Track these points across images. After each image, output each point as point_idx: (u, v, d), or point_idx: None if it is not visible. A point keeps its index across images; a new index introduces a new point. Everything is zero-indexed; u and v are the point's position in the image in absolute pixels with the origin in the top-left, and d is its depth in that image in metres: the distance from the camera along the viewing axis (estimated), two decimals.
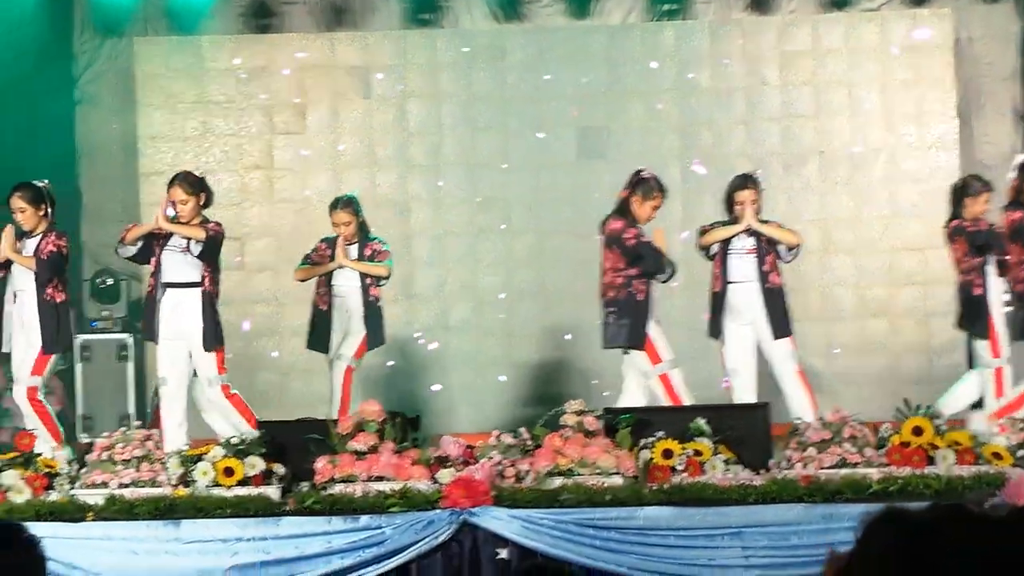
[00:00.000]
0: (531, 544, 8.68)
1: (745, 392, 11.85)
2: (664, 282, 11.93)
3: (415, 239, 15.32)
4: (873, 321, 15.00)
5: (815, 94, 15.29)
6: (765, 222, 12.00)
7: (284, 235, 14.11)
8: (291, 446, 9.62)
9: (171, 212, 11.87)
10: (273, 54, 15.58)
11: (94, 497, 9.20)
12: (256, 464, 9.29)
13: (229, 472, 9.24)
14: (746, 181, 12.29)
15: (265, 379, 14.68)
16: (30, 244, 11.91)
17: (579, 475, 9.09)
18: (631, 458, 9.26)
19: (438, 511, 8.81)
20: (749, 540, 8.66)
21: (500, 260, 15.37)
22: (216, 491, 9.17)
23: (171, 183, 11.97)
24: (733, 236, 11.92)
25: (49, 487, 9.43)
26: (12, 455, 9.87)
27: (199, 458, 9.46)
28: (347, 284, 12.54)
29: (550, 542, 8.68)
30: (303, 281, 12.75)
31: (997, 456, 9.28)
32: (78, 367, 14.20)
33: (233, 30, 15.64)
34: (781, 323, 11.84)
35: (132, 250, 11.92)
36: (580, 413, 9.57)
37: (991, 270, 12.02)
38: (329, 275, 12.55)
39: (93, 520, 8.97)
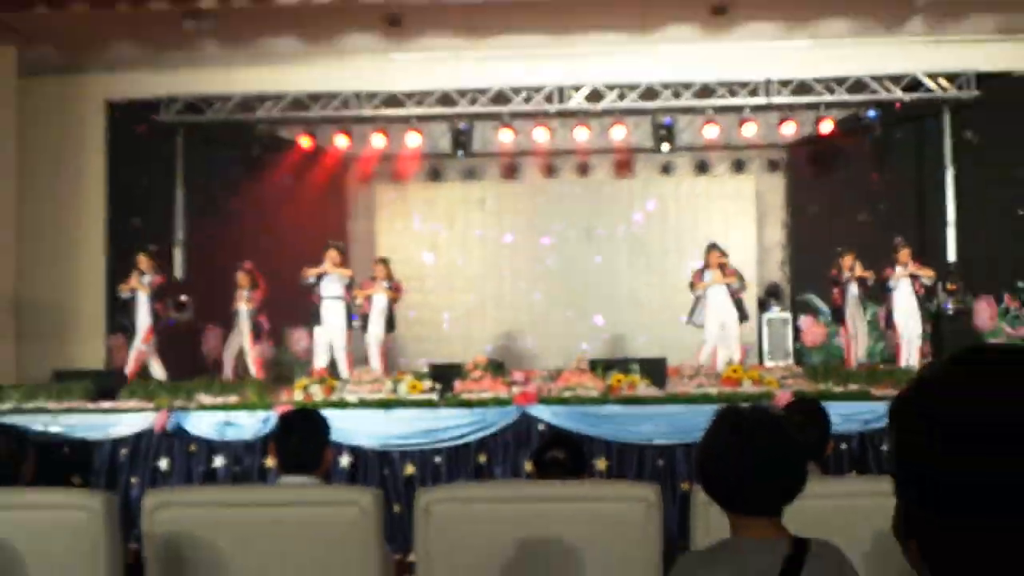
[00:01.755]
0: (556, 422, 8.58)
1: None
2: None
3: (505, 281, 15.20)
4: None
5: (692, 221, 15.00)
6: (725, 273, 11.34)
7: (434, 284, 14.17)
8: (443, 374, 9.59)
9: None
10: (437, 194, 15.48)
11: (353, 397, 9.35)
12: (427, 383, 9.40)
13: (414, 387, 9.34)
14: (714, 248, 11.43)
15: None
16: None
17: (578, 391, 9.12)
18: (602, 382, 9.27)
19: (512, 407, 8.73)
20: (657, 422, 8.58)
21: (542, 291, 15.14)
22: (408, 396, 9.22)
23: (326, 248, 11.47)
24: (713, 281, 11.33)
25: (331, 393, 9.51)
26: (317, 378, 10.04)
27: (400, 380, 9.59)
28: (378, 301, 11.87)
29: (565, 421, 8.58)
30: (354, 300, 11.87)
31: (771, 384, 9.25)
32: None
33: (423, 181, 15.40)
34: (742, 315, 11.33)
35: (310, 281, 11.45)
36: (580, 361, 9.83)
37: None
38: (370, 296, 11.87)
39: (351, 409, 9.00)
